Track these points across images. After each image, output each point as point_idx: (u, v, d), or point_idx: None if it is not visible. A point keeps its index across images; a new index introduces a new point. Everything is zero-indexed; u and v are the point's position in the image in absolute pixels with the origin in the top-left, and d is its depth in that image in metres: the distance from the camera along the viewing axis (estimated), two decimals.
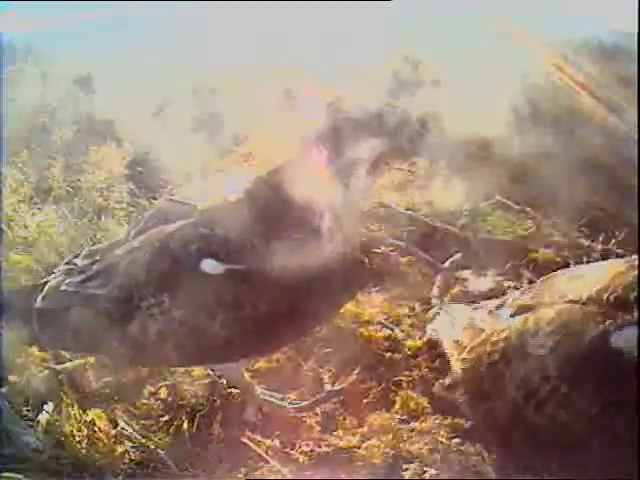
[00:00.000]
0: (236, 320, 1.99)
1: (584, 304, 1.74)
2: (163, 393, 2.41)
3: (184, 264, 2.03)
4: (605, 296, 1.70)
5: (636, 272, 1.72)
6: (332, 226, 2.09)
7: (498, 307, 2.05)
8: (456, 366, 1.99)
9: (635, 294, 1.66)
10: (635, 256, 1.85)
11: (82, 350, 2.26)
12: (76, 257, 2.25)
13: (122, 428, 2.28)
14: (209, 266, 2.01)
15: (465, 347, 1.98)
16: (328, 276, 2.04)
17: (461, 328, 2.08)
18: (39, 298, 2.15)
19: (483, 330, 1.98)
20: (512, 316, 1.93)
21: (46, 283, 2.19)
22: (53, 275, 2.23)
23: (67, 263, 2.25)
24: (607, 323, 1.66)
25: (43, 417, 2.29)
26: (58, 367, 2.45)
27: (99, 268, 2.14)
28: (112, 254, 2.15)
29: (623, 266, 1.77)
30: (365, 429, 2.27)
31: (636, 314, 1.64)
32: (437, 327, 2.34)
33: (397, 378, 2.43)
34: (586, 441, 1.65)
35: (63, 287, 2.14)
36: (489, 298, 2.30)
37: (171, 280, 2.03)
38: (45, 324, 2.14)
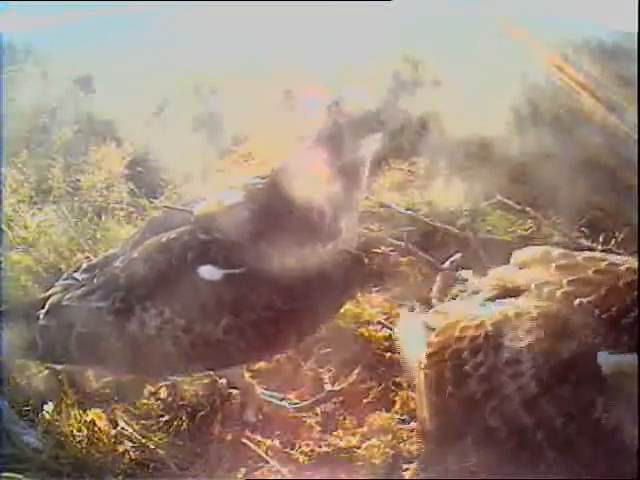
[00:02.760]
0: (238, 324, 1.99)
1: (575, 311, 1.66)
2: (163, 393, 2.41)
3: (182, 272, 2.02)
4: (597, 312, 1.63)
5: (633, 294, 1.63)
6: (332, 226, 2.09)
7: (473, 292, 1.97)
8: (421, 351, 1.86)
9: (629, 320, 1.59)
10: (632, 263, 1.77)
11: (87, 363, 2.23)
12: (75, 271, 2.24)
13: (122, 428, 2.28)
14: (207, 272, 2.00)
15: (433, 330, 1.88)
16: (328, 276, 2.04)
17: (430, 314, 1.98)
18: (42, 315, 2.13)
19: (452, 314, 1.88)
20: (490, 300, 1.85)
21: (47, 299, 2.17)
22: (53, 289, 2.21)
23: (66, 278, 2.24)
24: (597, 341, 1.59)
25: (43, 417, 2.29)
26: (58, 367, 2.44)
27: (99, 281, 2.14)
28: (111, 266, 2.15)
29: (620, 282, 1.67)
30: (365, 429, 2.27)
31: (626, 339, 1.56)
32: (400, 328, 2.23)
33: (397, 378, 2.43)
34: (541, 450, 1.57)
35: (65, 302, 2.12)
36: None
37: (170, 289, 2.02)
38: (50, 341, 2.11)
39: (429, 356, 1.83)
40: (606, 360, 1.57)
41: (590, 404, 1.55)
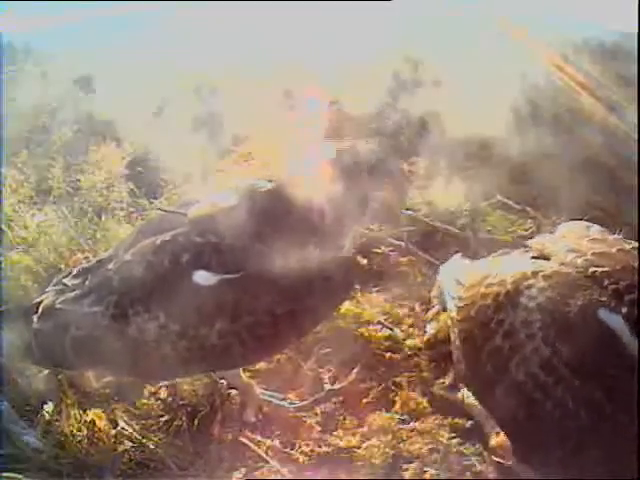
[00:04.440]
0: (236, 329, 1.98)
1: (586, 276, 1.76)
2: (163, 393, 2.41)
3: (176, 276, 2.00)
4: (606, 282, 1.72)
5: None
6: (330, 226, 2.09)
7: (505, 253, 2.06)
8: (453, 306, 1.98)
9: (631, 297, 1.68)
10: None
11: (82, 367, 2.23)
12: (65, 277, 2.22)
13: (122, 428, 2.28)
14: (202, 278, 1.98)
15: (463, 285, 1.98)
16: (326, 276, 2.03)
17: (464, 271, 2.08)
18: (35, 319, 2.12)
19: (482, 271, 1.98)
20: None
21: (39, 303, 2.16)
22: (44, 295, 2.20)
23: (56, 284, 2.22)
24: (601, 299, 1.69)
25: (43, 417, 2.29)
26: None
27: (92, 284, 2.11)
28: (104, 269, 2.12)
29: (636, 264, 1.77)
30: (365, 429, 2.27)
31: (625, 311, 1.66)
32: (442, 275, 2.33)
33: (397, 378, 2.43)
34: (565, 403, 1.65)
35: (58, 305, 2.11)
36: None
37: (165, 293, 2.00)
38: (44, 345, 2.11)
39: (459, 310, 1.94)
40: (608, 317, 1.67)
41: (598, 360, 1.64)
